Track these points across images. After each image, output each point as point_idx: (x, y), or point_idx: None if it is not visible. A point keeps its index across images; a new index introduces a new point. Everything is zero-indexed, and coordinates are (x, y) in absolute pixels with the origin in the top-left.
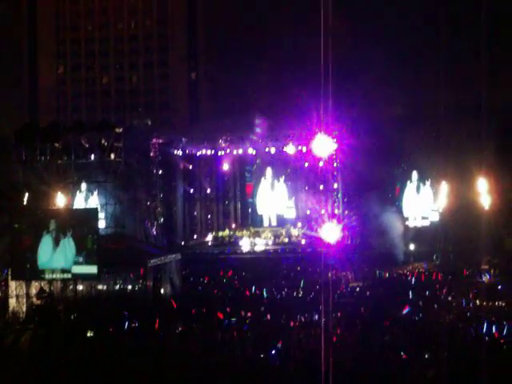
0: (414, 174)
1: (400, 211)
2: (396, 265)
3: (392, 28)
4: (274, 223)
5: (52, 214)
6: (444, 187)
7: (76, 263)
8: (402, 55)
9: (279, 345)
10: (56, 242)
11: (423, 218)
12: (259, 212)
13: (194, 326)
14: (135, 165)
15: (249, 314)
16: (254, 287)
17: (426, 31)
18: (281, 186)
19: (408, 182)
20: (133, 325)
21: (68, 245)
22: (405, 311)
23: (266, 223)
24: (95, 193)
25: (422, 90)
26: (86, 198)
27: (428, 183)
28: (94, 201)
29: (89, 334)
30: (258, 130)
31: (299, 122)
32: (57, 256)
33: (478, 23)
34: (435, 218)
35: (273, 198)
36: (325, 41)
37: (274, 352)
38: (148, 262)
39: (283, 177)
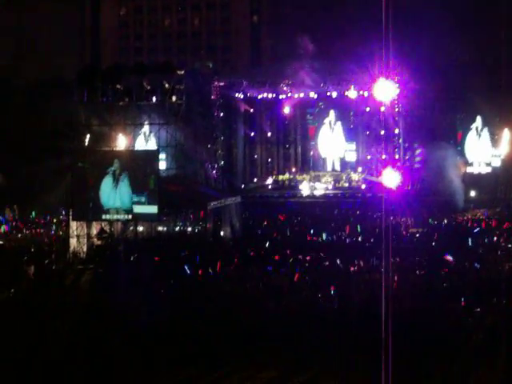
0: (478, 120)
1: (462, 157)
2: (456, 211)
3: None
4: (337, 167)
5: (114, 155)
6: (506, 134)
7: (138, 203)
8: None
9: (337, 289)
10: (116, 182)
11: (486, 164)
12: (322, 155)
13: (253, 268)
14: (196, 107)
15: (308, 258)
16: (312, 231)
17: None
18: (338, 128)
19: (470, 127)
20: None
21: (125, 185)
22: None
23: (329, 167)
24: (157, 135)
25: (485, 37)
26: (147, 140)
27: (486, 129)
28: (154, 143)
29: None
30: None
31: (361, 67)
32: (115, 196)
33: None
34: (497, 164)
35: (333, 140)
36: None
37: (331, 294)
38: (208, 205)
39: (341, 121)
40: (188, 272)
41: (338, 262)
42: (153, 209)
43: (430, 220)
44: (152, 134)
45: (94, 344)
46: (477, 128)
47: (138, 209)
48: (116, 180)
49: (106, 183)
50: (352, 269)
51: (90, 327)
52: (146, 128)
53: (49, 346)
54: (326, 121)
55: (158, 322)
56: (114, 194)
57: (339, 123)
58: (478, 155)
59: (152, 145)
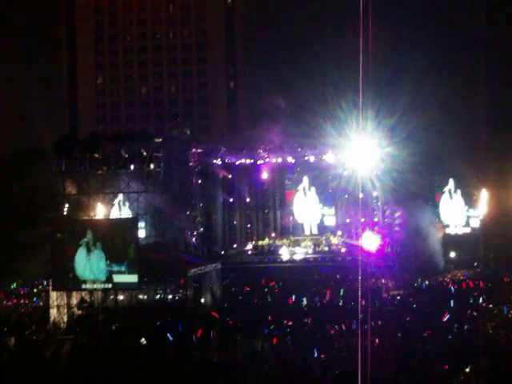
0: (450, 182)
1: (441, 219)
2: (436, 273)
3: (430, 34)
4: (314, 231)
5: (89, 224)
6: (484, 194)
7: (118, 272)
8: (440, 62)
9: (319, 353)
10: (89, 253)
11: (463, 226)
12: (298, 220)
13: (236, 335)
14: (174, 174)
15: (290, 323)
16: (294, 296)
17: (466, 37)
18: (313, 193)
19: (443, 190)
20: (174, 335)
21: (97, 256)
22: (445, 318)
23: (307, 231)
24: (132, 203)
25: (461, 98)
26: (121, 208)
27: (459, 191)
28: (128, 211)
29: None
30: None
31: (338, 131)
32: (90, 266)
33: None
34: (476, 224)
35: (308, 206)
36: (363, 49)
37: (313, 359)
38: (188, 272)
39: (316, 185)
40: (170, 339)
41: (320, 325)
42: (133, 278)
43: (410, 282)
44: (126, 203)
45: None
46: (449, 190)
47: (118, 278)
48: (89, 251)
49: (80, 254)
50: (333, 332)
51: None
52: (120, 197)
53: None
54: (300, 187)
55: None
56: (88, 265)
57: (313, 189)
58: (452, 217)
59: (126, 213)
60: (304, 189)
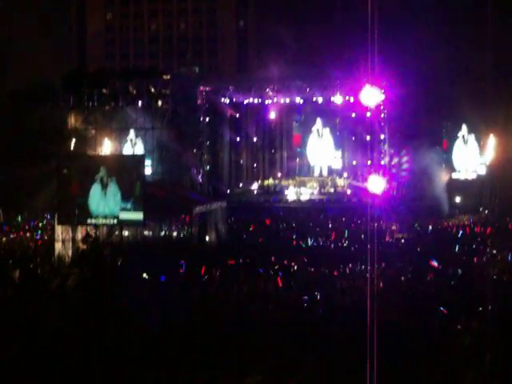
0: (463, 128)
1: (448, 164)
2: (441, 217)
3: None
4: (324, 173)
5: (101, 160)
6: (491, 140)
7: (124, 209)
8: (451, 10)
9: (322, 294)
10: (104, 189)
11: (473, 171)
12: (311, 163)
13: (238, 274)
14: (182, 112)
15: (293, 264)
16: (298, 236)
17: None
18: (327, 135)
19: (457, 134)
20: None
21: (115, 191)
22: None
23: (316, 173)
24: (143, 139)
25: (471, 43)
26: (134, 145)
27: (473, 137)
28: (141, 148)
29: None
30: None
31: (347, 72)
32: (105, 202)
33: None
34: (482, 171)
35: (321, 148)
36: None
37: (317, 300)
38: (193, 209)
39: (328, 127)
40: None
41: (323, 267)
42: (138, 215)
43: (415, 225)
44: (138, 139)
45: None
46: (463, 136)
47: (123, 215)
48: (104, 187)
49: (95, 190)
50: (337, 274)
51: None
52: (131, 134)
53: (37, 347)
54: (314, 129)
55: (148, 324)
56: (103, 201)
57: (327, 130)
58: (465, 163)
59: (139, 150)
60: (318, 131)
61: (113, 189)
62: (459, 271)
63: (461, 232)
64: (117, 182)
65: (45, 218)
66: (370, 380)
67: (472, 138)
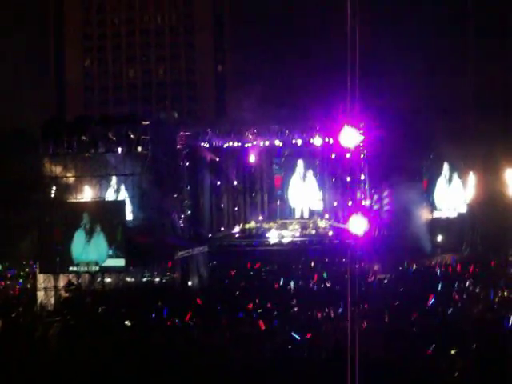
0: (445, 166)
1: (429, 203)
2: (423, 256)
3: (421, 18)
4: (306, 215)
5: (82, 207)
6: (472, 178)
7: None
8: (429, 47)
9: (307, 337)
10: (89, 236)
11: (454, 209)
12: (292, 205)
13: (222, 318)
14: (162, 157)
15: (276, 306)
16: (281, 279)
17: (455, 24)
18: (310, 177)
19: (439, 173)
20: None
21: (101, 238)
22: (430, 302)
23: (297, 215)
24: (123, 186)
25: (449, 81)
26: (116, 191)
27: (456, 175)
28: (124, 194)
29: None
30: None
31: (326, 113)
32: (89, 249)
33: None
34: (463, 209)
35: (304, 191)
36: (351, 31)
37: (300, 342)
38: (175, 255)
39: (311, 170)
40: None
41: (307, 309)
42: (120, 262)
43: (397, 265)
44: (122, 186)
45: None
46: (445, 175)
47: (105, 262)
48: (89, 233)
49: (79, 237)
50: (320, 316)
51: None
52: (114, 180)
53: None
54: (297, 171)
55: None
56: (87, 247)
57: (310, 172)
58: (448, 201)
59: (122, 196)
60: (300, 173)
61: (99, 236)
62: (443, 310)
63: (443, 270)
64: (102, 229)
65: (27, 266)
66: None
67: (455, 176)
